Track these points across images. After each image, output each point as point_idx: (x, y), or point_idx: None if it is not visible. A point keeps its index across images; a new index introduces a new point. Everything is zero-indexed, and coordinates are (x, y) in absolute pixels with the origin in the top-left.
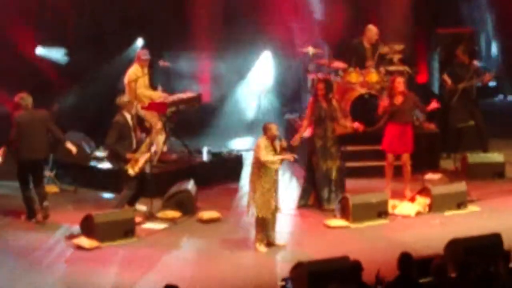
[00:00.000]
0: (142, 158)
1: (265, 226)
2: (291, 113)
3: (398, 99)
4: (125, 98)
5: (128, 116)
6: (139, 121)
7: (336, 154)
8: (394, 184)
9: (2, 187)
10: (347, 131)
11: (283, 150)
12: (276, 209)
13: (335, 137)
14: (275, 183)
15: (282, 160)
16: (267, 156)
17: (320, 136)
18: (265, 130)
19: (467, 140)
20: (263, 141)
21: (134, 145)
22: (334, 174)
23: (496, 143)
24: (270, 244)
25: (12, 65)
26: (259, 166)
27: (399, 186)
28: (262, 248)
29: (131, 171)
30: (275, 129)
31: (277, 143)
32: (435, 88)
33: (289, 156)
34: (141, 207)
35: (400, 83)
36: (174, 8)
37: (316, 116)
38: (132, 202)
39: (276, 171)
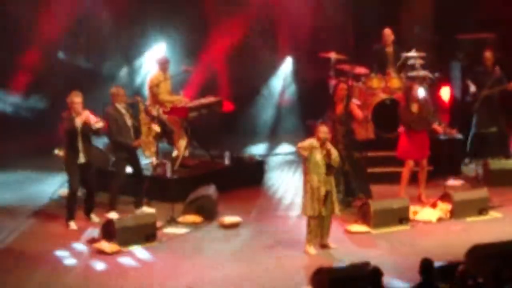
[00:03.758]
0: (154, 141)
1: (315, 226)
2: (313, 119)
3: (414, 107)
4: (112, 89)
5: (119, 106)
6: (162, 126)
7: (345, 158)
8: (409, 190)
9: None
10: (369, 137)
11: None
12: (327, 210)
13: (345, 141)
14: (327, 183)
15: (310, 150)
16: (304, 150)
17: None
18: (315, 131)
19: (490, 146)
20: (312, 141)
21: (132, 133)
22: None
23: None
24: (324, 246)
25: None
26: (307, 164)
27: (415, 191)
28: (311, 250)
29: (148, 154)
30: (322, 131)
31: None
32: (457, 94)
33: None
34: (148, 209)
35: (414, 90)
36: (196, 13)
37: (331, 120)
38: (138, 205)
39: (329, 169)
